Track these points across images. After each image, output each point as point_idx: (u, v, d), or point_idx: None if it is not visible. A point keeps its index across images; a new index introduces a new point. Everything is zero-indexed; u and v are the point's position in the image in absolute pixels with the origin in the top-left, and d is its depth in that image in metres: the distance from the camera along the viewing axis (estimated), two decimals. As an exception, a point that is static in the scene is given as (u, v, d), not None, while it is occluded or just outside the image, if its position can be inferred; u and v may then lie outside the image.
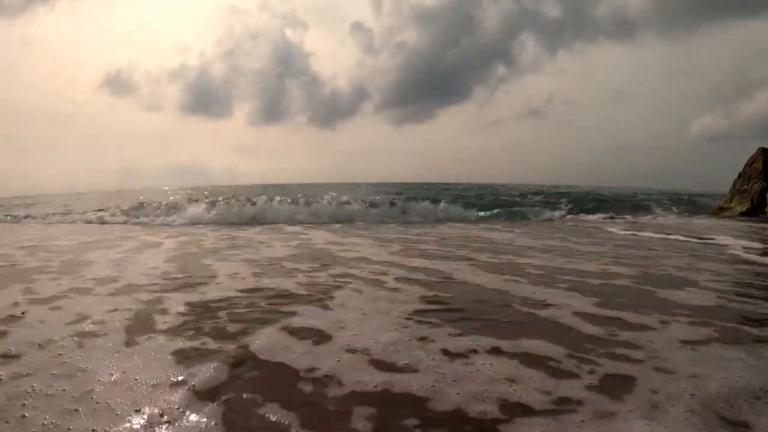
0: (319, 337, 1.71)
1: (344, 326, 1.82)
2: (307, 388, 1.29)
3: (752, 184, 10.87)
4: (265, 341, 1.65)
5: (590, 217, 9.99)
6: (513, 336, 1.73)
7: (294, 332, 1.76)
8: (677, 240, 5.17)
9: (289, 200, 9.21)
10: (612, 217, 10.03)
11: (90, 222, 8.29)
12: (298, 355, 1.53)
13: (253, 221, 7.78)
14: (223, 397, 1.23)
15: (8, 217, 10.19)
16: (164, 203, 9.44)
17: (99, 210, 10.26)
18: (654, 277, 2.90)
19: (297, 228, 6.69)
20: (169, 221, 7.90)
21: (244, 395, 1.25)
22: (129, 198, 15.85)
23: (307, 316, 1.97)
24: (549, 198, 14.15)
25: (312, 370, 1.41)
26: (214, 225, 7.35)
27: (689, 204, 12.54)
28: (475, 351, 1.58)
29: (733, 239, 5.15)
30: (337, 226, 7.11)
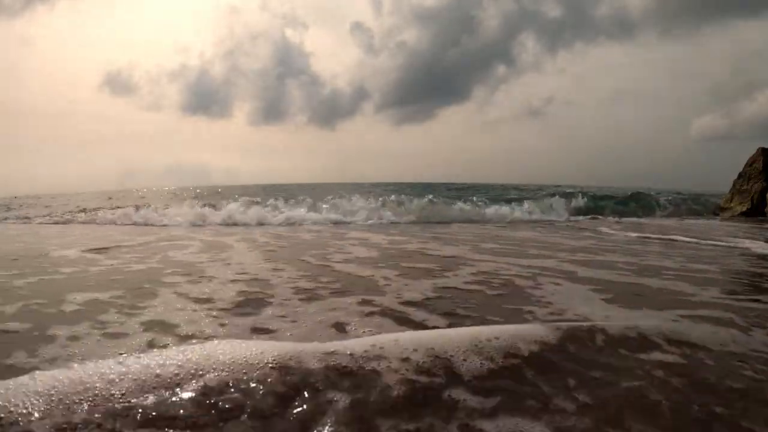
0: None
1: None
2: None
3: (752, 184, 11.57)
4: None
5: (590, 217, 10.44)
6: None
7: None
8: (710, 244, 5.60)
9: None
10: (609, 217, 10.64)
11: (112, 223, 8.23)
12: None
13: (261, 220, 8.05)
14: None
15: (8, 219, 9.98)
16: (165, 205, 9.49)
17: (114, 208, 10.16)
18: (740, 272, 3.27)
19: (319, 227, 6.99)
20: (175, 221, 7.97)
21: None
22: (130, 198, 15.55)
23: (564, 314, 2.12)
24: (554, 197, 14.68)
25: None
26: (224, 225, 7.55)
27: (693, 204, 13.22)
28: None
29: (753, 242, 5.64)
30: (360, 224, 7.44)
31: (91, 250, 4.42)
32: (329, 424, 1.09)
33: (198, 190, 21.11)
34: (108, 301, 2.39)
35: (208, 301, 2.34)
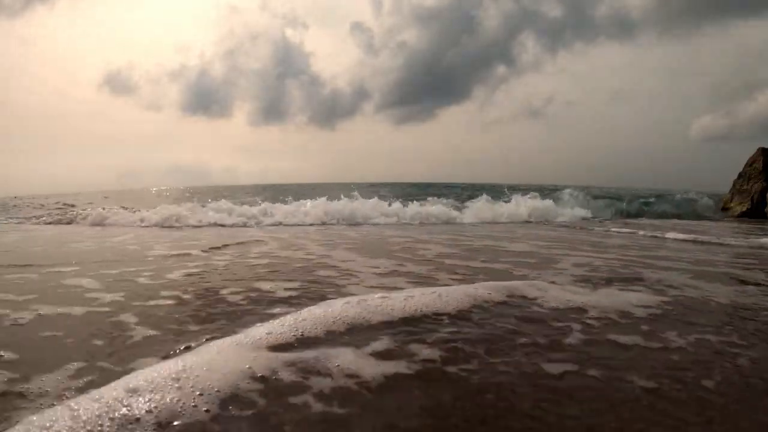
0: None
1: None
2: None
3: (752, 184, 12.30)
4: None
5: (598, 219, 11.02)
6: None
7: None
8: (738, 243, 6.34)
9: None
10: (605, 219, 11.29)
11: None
12: None
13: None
14: None
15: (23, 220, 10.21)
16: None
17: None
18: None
19: (339, 226, 7.58)
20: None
21: None
22: (132, 198, 15.74)
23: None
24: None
25: None
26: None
27: (694, 203, 14.01)
28: None
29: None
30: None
31: (209, 251, 4.68)
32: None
33: (200, 195, 21.30)
34: (299, 287, 2.79)
35: (395, 288, 2.77)
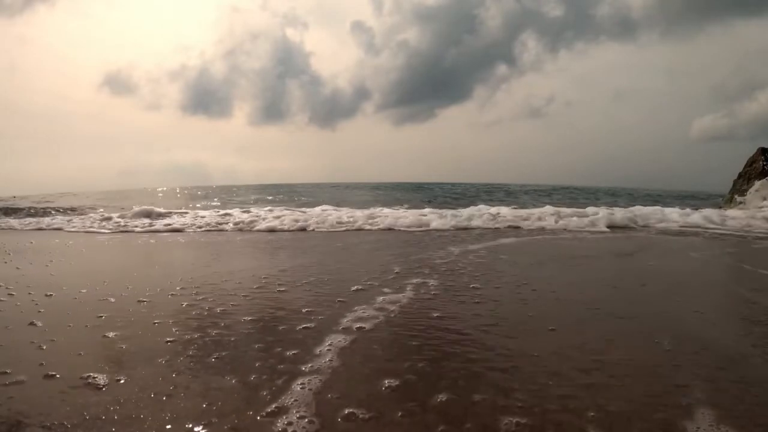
0: None
1: None
2: None
3: (752, 184, 13.84)
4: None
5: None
6: None
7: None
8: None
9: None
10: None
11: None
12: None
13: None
14: None
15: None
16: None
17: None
18: None
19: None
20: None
21: None
22: (136, 198, 15.55)
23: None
24: (574, 198, 16.68)
25: None
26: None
27: (697, 203, 15.59)
28: None
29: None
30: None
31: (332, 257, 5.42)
32: None
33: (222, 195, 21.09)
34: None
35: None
